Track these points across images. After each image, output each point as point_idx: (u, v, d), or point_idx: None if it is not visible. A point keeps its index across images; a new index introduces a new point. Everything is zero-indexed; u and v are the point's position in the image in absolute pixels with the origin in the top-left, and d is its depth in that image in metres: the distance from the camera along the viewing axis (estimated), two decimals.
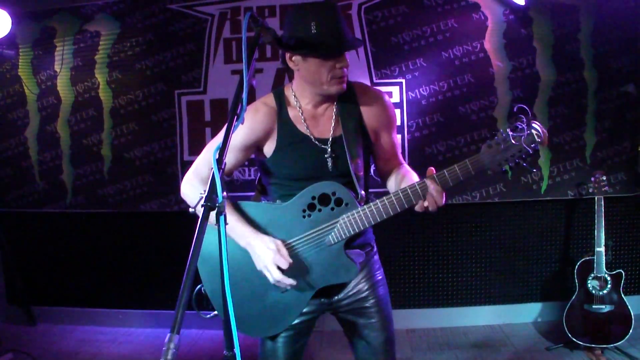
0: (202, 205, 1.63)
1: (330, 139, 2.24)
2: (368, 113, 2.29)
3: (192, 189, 2.27)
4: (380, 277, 2.41)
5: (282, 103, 2.26)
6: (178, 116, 4.90)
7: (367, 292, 2.34)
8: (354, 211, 2.13)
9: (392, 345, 2.41)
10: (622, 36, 4.61)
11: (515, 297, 4.97)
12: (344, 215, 2.14)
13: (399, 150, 2.45)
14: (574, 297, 4.22)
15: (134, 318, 5.23)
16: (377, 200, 2.11)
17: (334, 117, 2.26)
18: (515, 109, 2.02)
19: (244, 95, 1.81)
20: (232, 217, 2.15)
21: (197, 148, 4.88)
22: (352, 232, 2.14)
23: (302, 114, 2.25)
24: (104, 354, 4.69)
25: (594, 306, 4.13)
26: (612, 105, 4.67)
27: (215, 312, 2.32)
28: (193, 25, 4.83)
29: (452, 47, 4.66)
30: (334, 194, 2.14)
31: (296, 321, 2.28)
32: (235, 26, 4.79)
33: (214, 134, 4.78)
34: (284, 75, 4.70)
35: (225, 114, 4.78)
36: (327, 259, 2.18)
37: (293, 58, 2.15)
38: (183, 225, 4.84)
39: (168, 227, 5.07)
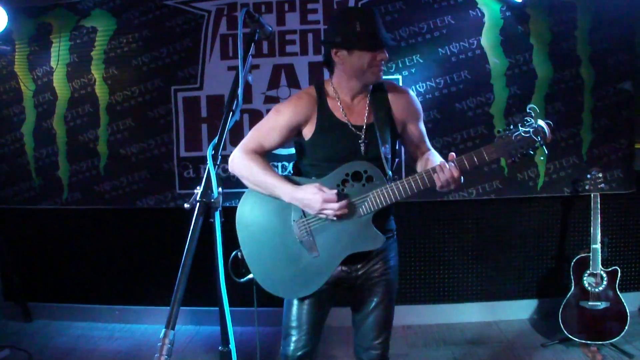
0: (196, 201, 1.64)
1: (364, 126, 2.54)
2: (396, 106, 2.60)
3: (239, 160, 2.57)
4: (393, 263, 2.69)
5: (322, 94, 2.57)
6: (174, 112, 4.90)
7: (380, 273, 2.63)
8: (383, 187, 2.41)
9: (389, 327, 2.70)
10: (619, 33, 4.61)
11: (511, 293, 4.98)
12: (373, 191, 2.42)
13: (426, 138, 2.75)
14: (569, 294, 4.23)
15: (131, 314, 5.23)
16: (403, 179, 2.39)
17: (367, 108, 2.57)
18: (528, 109, 2.36)
19: (240, 91, 1.82)
20: (272, 178, 2.48)
21: (193, 144, 4.88)
22: (381, 206, 2.42)
23: (340, 104, 2.55)
24: (101, 350, 4.69)
25: (589, 303, 4.14)
26: (608, 103, 4.67)
27: (251, 275, 2.57)
28: (189, 21, 4.82)
29: (448, 43, 4.66)
30: (365, 172, 2.43)
31: (320, 288, 2.52)
32: (232, 22, 4.79)
33: (210, 130, 4.82)
34: (280, 71, 4.72)
35: (222, 110, 4.77)
36: (357, 228, 2.45)
37: (339, 53, 2.45)
38: (179, 222, 4.82)
39: (164, 223, 5.07)
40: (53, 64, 5.01)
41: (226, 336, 1.71)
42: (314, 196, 2.38)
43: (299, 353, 2.63)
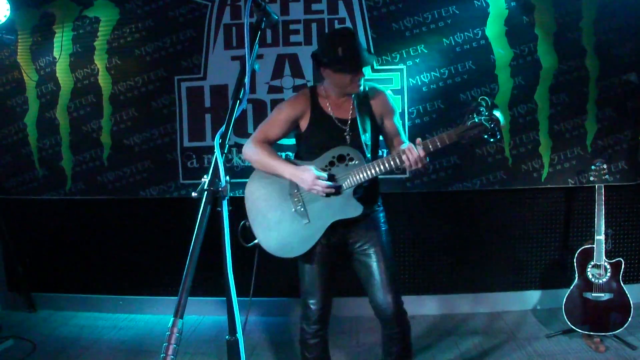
0: (204, 190, 1.64)
1: (349, 120, 3.07)
2: (375, 103, 3.13)
3: (250, 148, 3.09)
4: (384, 229, 3.20)
5: (314, 94, 3.12)
6: (178, 102, 4.89)
7: (373, 238, 3.11)
8: (361, 166, 2.91)
9: (394, 282, 3.11)
10: (624, 24, 4.59)
11: (514, 284, 4.98)
12: (354, 169, 2.92)
13: (402, 132, 3.18)
14: (573, 285, 4.22)
15: (134, 304, 5.24)
16: (378, 159, 2.88)
17: (351, 106, 3.09)
18: (479, 99, 2.75)
19: (247, 80, 1.82)
20: (276, 161, 3.03)
21: (197, 134, 4.87)
22: (360, 181, 2.92)
23: (328, 102, 3.09)
24: (105, 339, 4.70)
25: (593, 294, 4.13)
26: (613, 94, 4.65)
27: (256, 241, 3.07)
28: (193, 11, 4.81)
29: (453, 33, 4.64)
30: (348, 154, 2.97)
31: (320, 249, 3.07)
32: (236, 12, 4.77)
33: (214, 120, 4.83)
34: (284, 61, 4.72)
35: (225, 100, 4.78)
36: (341, 200, 2.96)
37: (325, 71, 2.98)
38: (183, 212, 4.85)
39: (168, 213, 5.07)
40: (56, 54, 5.00)
41: (233, 325, 1.71)
42: (308, 174, 2.90)
43: (320, 311, 3.14)
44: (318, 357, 3.25)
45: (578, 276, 4.21)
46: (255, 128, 3.18)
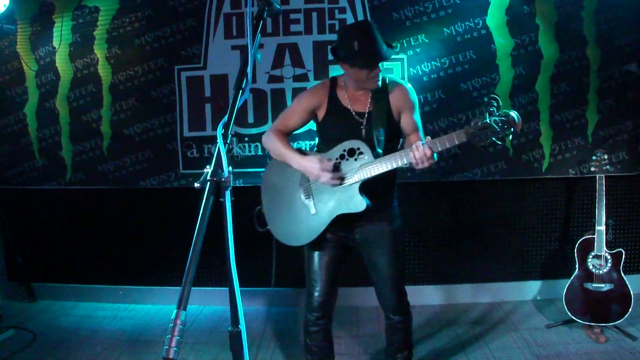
0: (207, 180, 1.63)
1: (366, 113, 3.04)
2: (393, 97, 3.05)
3: (268, 137, 3.15)
4: (397, 224, 3.21)
5: (334, 85, 3.10)
6: (178, 92, 4.87)
7: (383, 234, 3.14)
8: (370, 161, 2.88)
9: (401, 278, 3.25)
10: (626, 14, 4.56)
11: (515, 274, 4.99)
12: (362, 164, 2.90)
13: (420, 130, 3.13)
14: (573, 276, 4.23)
15: (135, 294, 5.25)
16: (386, 156, 2.85)
17: (369, 99, 3.05)
18: (489, 98, 2.63)
19: (249, 69, 1.82)
20: (288, 151, 3.07)
21: (197, 124, 4.86)
22: (367, 177, 2.88)
23: (346, 94, 3.07)
24: (105, 330, 4.71)
25: (593, 285, 4.14)
26: (614, 84, 4.64)
27: (268, 227, 3.18)
28: (193, 0, 4.78)
29: (454, 23, 4.61)
30: (358, 149, 2.92)
31: (329, 240, 3.13)
32: (236, 1, 4.73)
33: (214, 110, 4.82)
34: (284, 50, 4.71)
35: (225, 90, 4.76)
36: (346, 194, 2.95)
37: (343, 65, 2.94)
38: (183, 202, 4.86)
39: (168, 203, 5.07)
40: (55, 43, 4.97)
41: (236, 316, 1.70)
42: (315, 164, 2.92)
43: (321, 299, 3.18)
44: (318, 345, 3.30)
45: (578, 267, 4.21)
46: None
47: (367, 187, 2.93)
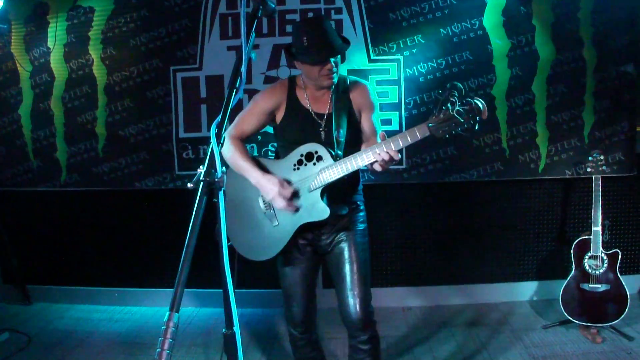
0: (200, 181, 1.62)
1: (325, 115, 2.91)
2: (354, 97, 2.96)
3: (225, 146, 2.84)
4: (361, 229, 3.03)
5: (293, 85, 2.97)
6: (173, 93, 4.85)
7: (346, 239, 2.96)
8: (329, 165, 2.74)
9: (364, 286, 2.95)
10: (622, 15, 4.57)
11: (511, 275, 4.99)
12: (321, 169, 2.76)
13: (378, 131, 2.90)
14: (570, 276, 4.23)
15: (130, 296, 5.23)
16: (345, 158, 2.71)
17: (329, 100, 2.93)
18: (449, 86, 2.46)
19: (243, 69, 1.81)
20: (246, 163, 2.86)
21: (192, 125, 4.84)
22: (327, 181, 2.75)
23: (306, 95, 2.94)
24: (100, 332, 4.69)
25: (590, 285, 4.14)
26: (610, 85, 4.63)
27: (231, 242, 2.92)
28: (188, 0, 4.76)
29: (450, 23, 4.61)
30: (316, 152, 2.78)
31: (298, 252, 2.98)
32: (232, 1, 4.72)
33: (209, 111, 4.80)
34: (280, 51, 4.67)
35: (221, 91, 4.75)
36: (308, 202, 2.80)
37: (295, 62, 2.85)
38: (178, 203, 4.82)
39: (163, 204, 5.05)
40: (50, 44, 4.95)
41: (230, 318, 1.69)
42: (273, 187, 2.76)
43: (303, 314, 3.06)
44: (308, 356, 3.22)
45: (575, 267, 4.21)
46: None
47: (330, 192, 2.80)
